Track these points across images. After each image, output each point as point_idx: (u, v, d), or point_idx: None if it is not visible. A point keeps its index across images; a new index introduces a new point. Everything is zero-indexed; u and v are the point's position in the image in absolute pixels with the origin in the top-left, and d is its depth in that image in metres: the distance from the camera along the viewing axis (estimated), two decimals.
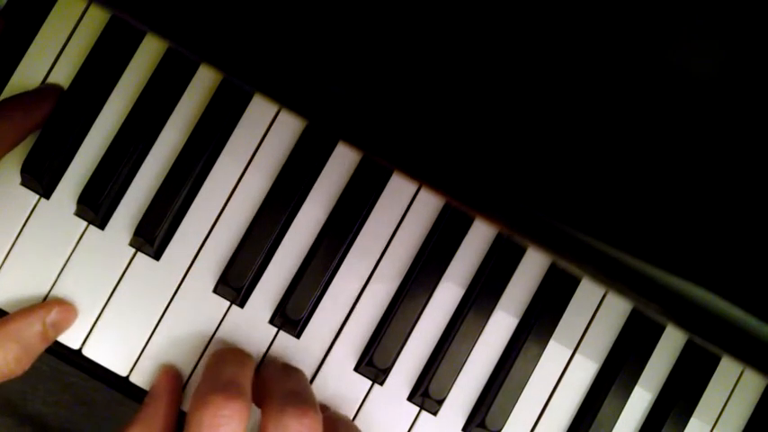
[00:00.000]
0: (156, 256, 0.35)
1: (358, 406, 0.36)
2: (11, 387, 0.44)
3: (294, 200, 0.35)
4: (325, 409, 0.36)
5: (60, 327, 0.34)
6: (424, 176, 0.25)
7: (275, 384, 0.32)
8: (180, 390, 0.35)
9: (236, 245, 0.35)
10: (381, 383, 0.36)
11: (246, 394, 0.30)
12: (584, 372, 0.37)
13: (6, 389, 0.44)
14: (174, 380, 0.34)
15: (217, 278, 0.35)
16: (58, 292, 0.35)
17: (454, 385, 0.36)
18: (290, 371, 0.34)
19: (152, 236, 0.35)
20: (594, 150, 0.23)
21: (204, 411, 0.28)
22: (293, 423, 0.29)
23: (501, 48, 0.23)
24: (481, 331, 0.36)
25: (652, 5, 0.22)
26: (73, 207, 0.35)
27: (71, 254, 0.35)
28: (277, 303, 0.36)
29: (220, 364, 0.33)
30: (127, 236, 0.36)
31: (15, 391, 0.44)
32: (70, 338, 0.35)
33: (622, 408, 0.37)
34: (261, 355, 0.36)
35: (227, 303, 0.36)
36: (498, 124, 0.23)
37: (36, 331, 0.33)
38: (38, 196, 0.35)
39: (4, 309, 0.35)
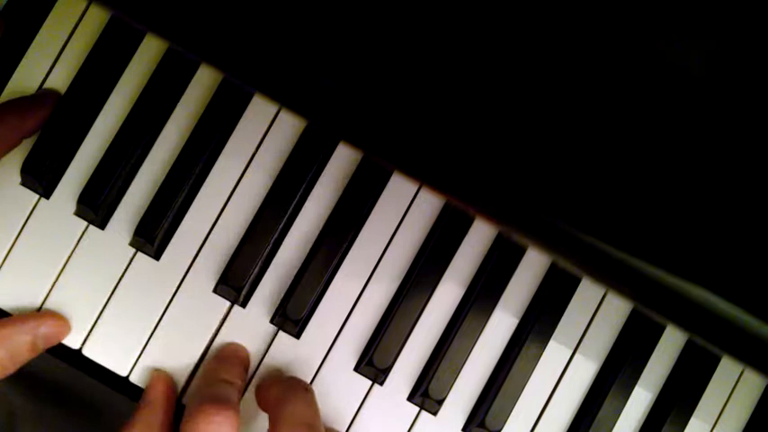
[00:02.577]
0: (156, 256, 0.35)
1: (358, 406, 0.36)
2: (8, 386, 0.44)
3: (294, 200, 0.35)
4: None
5: (51, 340, 0.34)
6: (424, 176, 0.25)
7: (285, 408, 0.31)
8: (174, 394, 0.35)
9: (236, 245, 0.35)
10: (381, 383, 0.36)
11: (236, 400, 0.31)
12: (584, 372, 0.37)
13: (4, 388, 0.44)
14: (166, 385, 0.34)
15: (217, 278, 0.35)
16: (58, 292, 0.35)
17: (454, 385, 0.36)
18: (298, 391, 0.33)
19: (152, 236, 0.35)
20: (594, 150, 0.23)
21: (196, 420, 0.29)
22: None
23: (500, 47, 0.23)
24: (481, 331, 0.36)
25: (653, 6, 0.22)
26: (73, 207, 0.36)
27: (71, 254, 0.35)
28: (277, 303, 0.36)
29: (213, 368, 0.34)
30: (127, 236, 0.36)
31: (14, 389, 0.44)
32: (70, 338, 0.35)
33: (622, 408, 0.37)
34: (261, 355, 0.36)
35: (228, 303, 0.36)
36: (498, 124, 0.23)
37: (25, 340, 0.33)
38: (38, 196, 0.35)
39: (3, 309, 0.35)
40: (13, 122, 0.34)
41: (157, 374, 0.35)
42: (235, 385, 0.33)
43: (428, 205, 0.36)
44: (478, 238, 0.36)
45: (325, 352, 0.36)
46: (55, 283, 0.35)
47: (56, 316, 0.35)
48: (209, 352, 0.35)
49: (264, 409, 0.35)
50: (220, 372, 0.33)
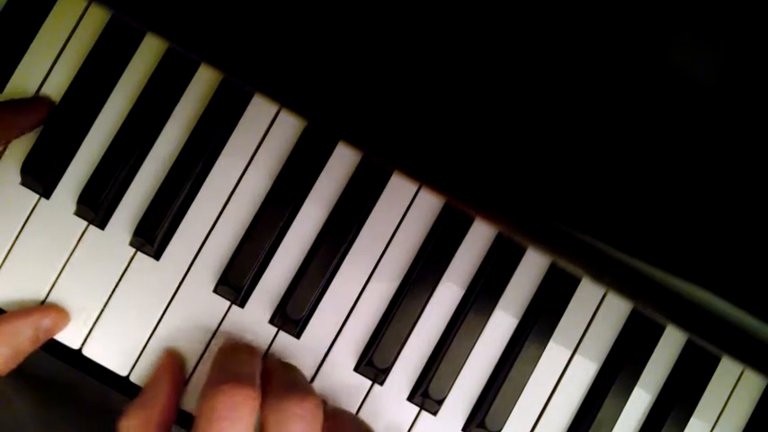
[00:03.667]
0: (156, 256, 0.35)
1: (358, 406, 0.36)
2: (7, 386, 0.44)
3: (294, 200, 0.35)
4: (323, 402, 0.36)
5: (52, 332, 0.35)
6: (423, 176, 0.25)
7: (275, 376, 0.32)
8: (181, 374, 0.35)
9: (236, 245, 0.35)
10: (381, 383, 0.36)
11: (256, 383, 0.30)
12: (584, 372, 0.37)
13: (5, 387, 0.44)
14: (175, 362, 0.34)
15: (217, 278, 0.35)
16: (58, 292, 0.35)
17: (454, 385, 0.36)
18: (288, 366, 0.35)
19: (152, 236, 0.35)
20: (595, 150, 0.23)
21: (216, 398, 0.29)
22: (294, 408, 0.29)
23: (499, 48, 0.23)
24: (481, 331, 0.36)
25: (655, 8, 0.22)
26: (73, 207, 0.36)
27: (71, 254, 0.35)
28: (277, 303, 0.36)
29: (229, 356, 0.33)
30: (127, 236, 0.36)
31: (15, 390, 0.44)
32: (70, 338, 0.35)
33: (622, 408, 0.37)
34: (261, 355, 0.36)
35: (228, 303, 0.36)
36: (498, 124, 0.23)
37: (28, 335, 0.33)
38: (38, 196, 0.35)
39: (3, 308, 0.35)
40: (7, 121, 0.34)
41: (165, 353, 0.35)
42: (255, 366, 0.32)
43: (428, 205, 0.36)
44: (478, 238, 0.36)
45: (324, 352, 0.36)
46: (55, 283, 0.35)
47: (55, 308, 0.35)
48: (209, 352, 0.35)
49: None
50: (239, 357, 0.33)
